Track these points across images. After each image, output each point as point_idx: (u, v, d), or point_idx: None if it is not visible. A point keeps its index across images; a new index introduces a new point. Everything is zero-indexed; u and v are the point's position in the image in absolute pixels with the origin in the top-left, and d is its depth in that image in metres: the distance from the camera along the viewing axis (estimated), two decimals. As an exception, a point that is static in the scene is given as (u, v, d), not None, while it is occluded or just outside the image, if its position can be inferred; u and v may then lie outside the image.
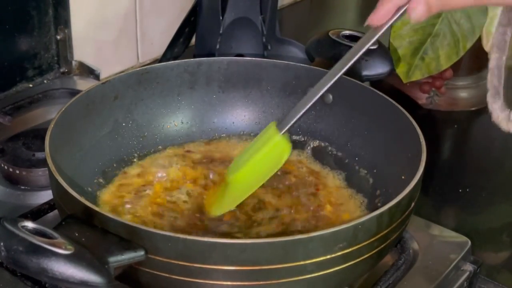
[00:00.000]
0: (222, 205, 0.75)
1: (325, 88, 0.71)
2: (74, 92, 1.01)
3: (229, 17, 1.06)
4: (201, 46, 1.10)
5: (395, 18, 0.67)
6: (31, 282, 0.71)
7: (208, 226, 0.75)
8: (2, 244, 0.55)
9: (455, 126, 1.17)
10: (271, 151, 0.73)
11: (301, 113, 0.72)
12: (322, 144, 0.88)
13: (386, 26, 0.67)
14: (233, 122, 0.91)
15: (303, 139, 0.89)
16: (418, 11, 0.64)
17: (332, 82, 0.71)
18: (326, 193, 0.81)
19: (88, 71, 1.12)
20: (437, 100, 1.15)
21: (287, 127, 0.72)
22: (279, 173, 0.84)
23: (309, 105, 0.71)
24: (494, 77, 0.70)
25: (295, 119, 0.72)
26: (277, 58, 0.94)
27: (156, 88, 0.87)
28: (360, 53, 0.69)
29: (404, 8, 0.65)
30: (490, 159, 1.09)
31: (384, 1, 0.66)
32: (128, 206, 0.77)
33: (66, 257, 0.55)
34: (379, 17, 0.66)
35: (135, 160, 0.85)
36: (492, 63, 0.69)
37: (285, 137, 0.72)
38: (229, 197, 0.75)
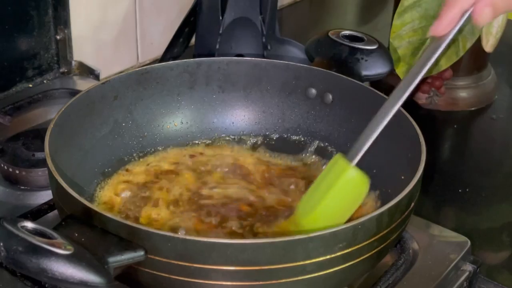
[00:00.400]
0: None
1: (393, 111, 0.66)
2: (73, 92, 1.01)
3: (229, 17, 1.06)
4: (201, 46, 1.10)
5: (460, 24, 0.62)
6: (31, 282, 0.71)
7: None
8: (1, 244, 0.55)
9: (455, 126, 1.17)
10: (346, 186, 0.66)
11: (371, 140, 0.66)
12: (322, 144, 0.88)
13: (451, 35, 0.63)
14: (233, 122, 0.91)
15: (303, 139, 0.89)
16: (485, 14, 0.61)
17: (397, 105, 0.66)
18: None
19: (87, 71, 1.12)
20: (437, 100, 1.15)
21: (358, 156, 0.66)
22: (276, 171, 0.84)
23: (379, 129, 0.66)
24: None
25: (365, 147, 0.66)
26: (277, 58, 0.94)
27: (155, 88, 0.87)
28: (426, 69, 0.65)
29: (469, 13, 0.62)
30: (490, 159, 1.09)
31: (448, 8, 0.62)
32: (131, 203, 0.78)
33: (66, 257, 0.55)
34: (444, 25, 0.63)
35: (136, 159, 0.85)
36: None
37: (357, 168, 0.66)
38: None
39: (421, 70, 0.65)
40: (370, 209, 0.77)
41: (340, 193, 0.66)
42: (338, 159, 0.67)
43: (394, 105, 0.66)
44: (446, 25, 0.63)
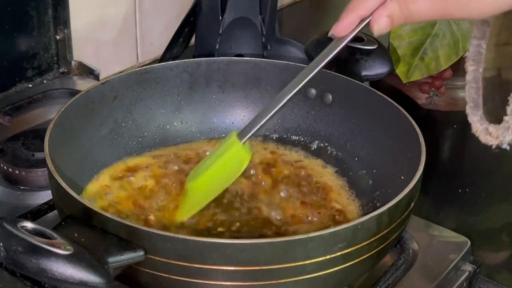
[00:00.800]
0: (183, 211, 0.75)
1: (286, 99, 0.71)
2: (73, 92, 1.01)
3: (229, 17, 1.06)
4: (200, 46, 1.10)
5: (358, 29, 0.67)
6: (31, 283, 0.71)
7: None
8: (1, 244, 0.55)
9: (455, 126, 1.17)
10: (230, 160, 0.73)
11: (261, 123, 0.72)
12: (322, 144, 0.88)
13: (350, 38, 0.67)
14: (233, 122, 0.91)
15: (302, 139, 0.89)
16: (381, 24, 0.64)
17: (294, 91, 0.70)
18: (325, 193, 0.81)
19: (87, 71, 1.12)
20: (437, 100, 1.15)
21: (247, 137, 0.72)
22: (275, 172, 0.84)
23: (269, 115, 0.71)
24: (472, 90, 0.69)
25: (255, 129, 0.72)
26: (277, 58, 0.94)
27: (155, 88, 0.87)
28: (322, 65, 0.69)
29: (367, 20, 0.65)
30: (490, 159, 1.09)
31: (347, 12, 0.66)
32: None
33: (66, 258, 0.55)
34: (342, 28, 0.67)
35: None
36: (469, 76, 0.69)
37: (246, 145, 0.72)
38: (189, 203, 0.75)
39: (318, 65, 0.69)
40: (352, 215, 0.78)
41: (224, 165, 0.73)
42: (231, 136, 0.73)
43: (287, 95, 0.71)
44: (344, 28, 0.67)
